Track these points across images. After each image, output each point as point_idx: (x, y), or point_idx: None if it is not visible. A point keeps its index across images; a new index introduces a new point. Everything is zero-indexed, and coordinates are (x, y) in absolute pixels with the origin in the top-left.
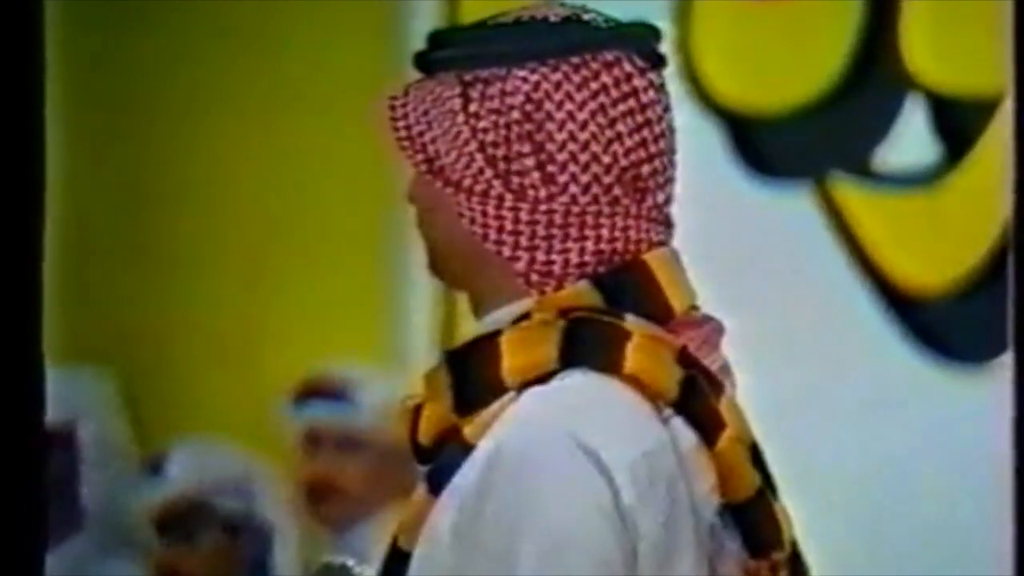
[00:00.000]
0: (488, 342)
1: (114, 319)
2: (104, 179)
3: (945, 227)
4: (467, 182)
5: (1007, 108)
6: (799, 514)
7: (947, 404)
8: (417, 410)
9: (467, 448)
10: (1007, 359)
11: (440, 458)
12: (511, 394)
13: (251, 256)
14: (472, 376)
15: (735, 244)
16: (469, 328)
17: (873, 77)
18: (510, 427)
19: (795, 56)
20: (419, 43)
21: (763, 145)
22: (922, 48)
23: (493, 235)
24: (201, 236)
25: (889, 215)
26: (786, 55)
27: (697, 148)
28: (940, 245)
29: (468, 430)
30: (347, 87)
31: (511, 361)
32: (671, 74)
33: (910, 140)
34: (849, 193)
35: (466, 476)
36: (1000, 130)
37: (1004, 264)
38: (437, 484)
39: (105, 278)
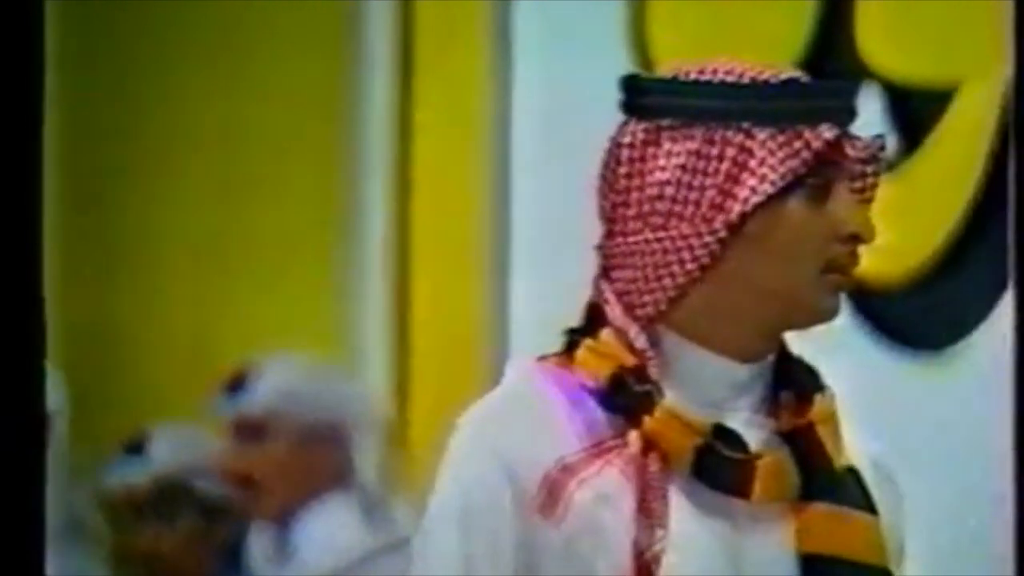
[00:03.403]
0: None
1: (64, 313)
2: (54, 172)
3: (902, 216)
4: None
5: (963, 97)
6: None
7: (906, 392)
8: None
9: (852, 470)
10: (973, 339)
11: (850, 480)
12: None
13: (202, 251)
14: None
15: None
16: (423, 320)
17: (828, 67)
18: (864, 448)
19: (750, 48)
20: (372, 47)
21: None
22: (876, 38)
23: None
24: (152, 229)
25: None
26: (740, 47)
27: None
28: (895, 234)
29: None
30: (300, 85)
31: None
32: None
33: (865, 130)
34: None
35: (881, 493)
36: (956, 119)
37: (961, 252)
38: (854, 503)
39: (54, 273)
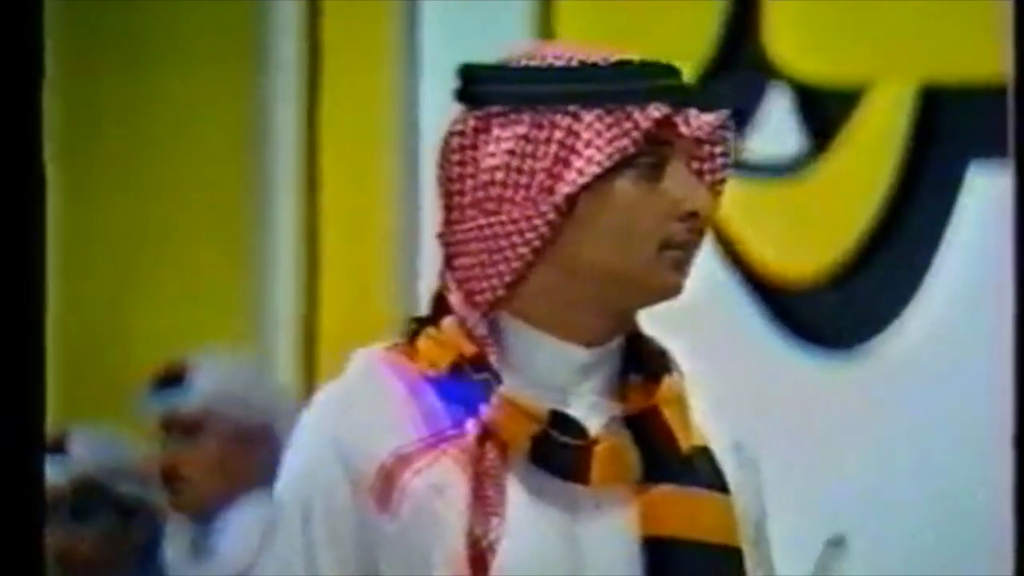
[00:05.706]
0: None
1: None
2: None
3: (811, 216)
4: None
5: (873, 98)
6: None
7: (817, 391)
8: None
9: (705, 450)
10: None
11: (700, 460)
12: None
13: (116, 249)
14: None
15: None
16: (331, 319)
17: (736, 67)
18: (726, 429)
19: (658, 46)
20: (281, 55)
21: None
22: (785, 38)
23: None
24: (66, 228)
25: (754, 204)
26: (648, 48)
27: None
28: (806, 234)
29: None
30: (211, 86)
31: None
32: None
33: (774, 129)
34: None
35: (735, 474)
36: (866, 119)
37: (872, 252)
38: (702, 483)
39: None
